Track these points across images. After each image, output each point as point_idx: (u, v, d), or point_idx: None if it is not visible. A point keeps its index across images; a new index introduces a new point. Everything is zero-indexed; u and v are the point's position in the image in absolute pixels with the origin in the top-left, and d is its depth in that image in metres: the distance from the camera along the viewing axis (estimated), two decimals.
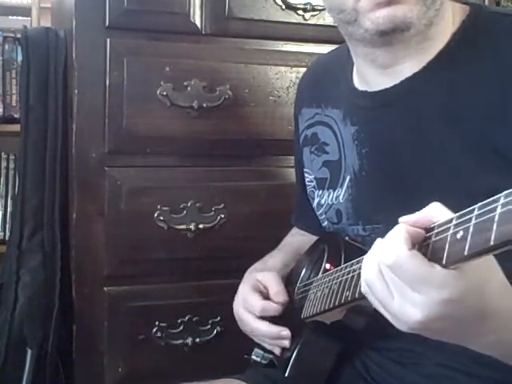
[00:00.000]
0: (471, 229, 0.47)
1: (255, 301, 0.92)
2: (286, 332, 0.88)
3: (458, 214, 0.50)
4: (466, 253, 0.48)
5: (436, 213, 0.54)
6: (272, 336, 0.90)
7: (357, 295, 0.66)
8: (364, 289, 0.60)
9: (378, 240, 0.57)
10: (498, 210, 0.45)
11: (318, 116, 0.94)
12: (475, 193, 0.50)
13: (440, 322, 0.54)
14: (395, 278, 0.54)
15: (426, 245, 0.54)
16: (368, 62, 0.80)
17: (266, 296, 0.93)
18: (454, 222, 0.50)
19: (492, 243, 0.45)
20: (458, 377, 0.78)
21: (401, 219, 0.56)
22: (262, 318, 0.91)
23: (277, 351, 0.91)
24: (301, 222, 1.10)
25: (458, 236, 0.49)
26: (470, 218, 0.48)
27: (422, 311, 0.53)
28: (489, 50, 0.73)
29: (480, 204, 0.47)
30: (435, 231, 0.53)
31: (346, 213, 0.87)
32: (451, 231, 0.50)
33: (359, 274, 0.66)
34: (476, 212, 0.47)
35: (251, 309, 0.92)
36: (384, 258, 0.54)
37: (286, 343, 0.88)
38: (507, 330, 0.58)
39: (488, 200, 0.47)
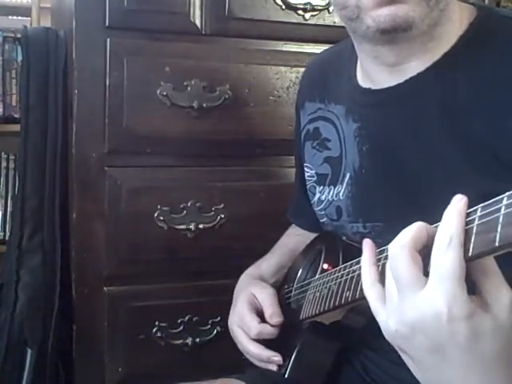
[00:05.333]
0: (475, 229, 0.47)
1: (252, 323, 0.92)
2: (277, 358, 0.88)
3: None
4: (470, 253, 0.48)
5: None
6: (262, 360, 0.91)
7: (357, 296, 0.66)
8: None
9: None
10: (502, 211, 0.45)
11: (321, 111, 0.94)
12: (474, 195, 0.50)
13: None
14: (389, 271, 0.53)
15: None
16: (372, 58, 0.79)
17: (261, 313, 0.93)
18: None
19: (497, 244, 0.45)
20: None
21: None
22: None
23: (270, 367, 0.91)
24: (298, 218, 1.10)
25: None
26: (473, 219, 0.48)
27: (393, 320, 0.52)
28: (494, 54, 0.72)
29: (482, 205, 0.47)
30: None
31: (346, 210, 0.87)
32: None
33: (359, 275, 0.66)
34: (479, 213, 0.47)
35: (247, 330, 0.93)
36: (390, 245, 0.53)
37: (274, 368, 0.88)
38: None
39: (490, 201, 0.46)
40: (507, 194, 0.45)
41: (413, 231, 0.52)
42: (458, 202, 0.50)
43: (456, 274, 0.48)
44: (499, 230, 0.44)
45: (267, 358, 0.89)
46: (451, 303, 0.48)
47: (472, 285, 0.51)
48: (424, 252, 0.52)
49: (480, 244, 0.47)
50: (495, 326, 0.49)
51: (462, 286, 0.48)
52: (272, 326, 0.91)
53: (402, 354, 0.55)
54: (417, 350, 0.53)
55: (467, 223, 0.48)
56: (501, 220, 0.45)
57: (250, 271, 1.05)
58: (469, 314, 0.48)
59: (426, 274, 0.51)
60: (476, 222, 0.47)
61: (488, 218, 0.46)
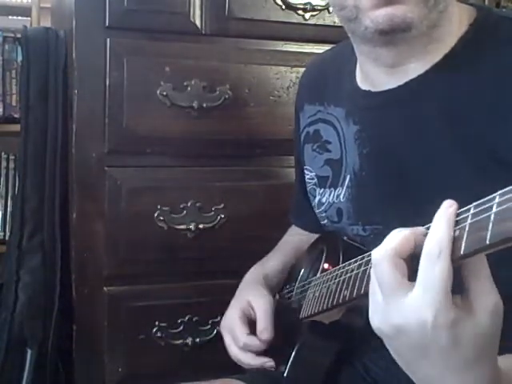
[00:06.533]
0: (467, 228, 0.48)
1: (240, 334, 0.93)
2: (270, 363, 0.88)
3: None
4: (462, 252, 0.48)
5: None
6: (254, 367, 0.91)
7: (355, 294, 0.66)
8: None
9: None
10: (494, 209, 0.45)
11: (321, 113, 0.93)
12: (474, 197, 0.50)
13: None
14: (373, 276, 0.54)
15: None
16: (371, 60, 0.79)
17: (253, 322, 0.93)
18: None
19: (488, 242, 0.45)
20: None
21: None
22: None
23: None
24: (300, 220, 1.10)
25: (456, 234, 0.49)
26: (466, 217, 0.48)
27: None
28: (494, 55, 0.72)
29: (475, 203, 0.48)
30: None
31: (347, 212, 0.87)
32: None
33: (357, 274, 0.66)
34: (472, 211, 0.48)
35: (235, 340, 0.93)
36: (373, 251, 0.54)
37: (270, 365, 0.89)
38: None
39: (483, 199, 0.47)
40: (499, 192, 0.45)
41: (398, 240, 0.52)
42: (448, 209, 0.50)
43: (444, 284, 0.49)
44: (490, 227, 0.45)
45: (260, 366, 0.90)
46: (437, 312, 0.49)
47: (461, 285, 0.51)
48: (411, 257, 0.52)
49: (471, 243, 0.47)
50: (476, 331, 0.50)
51: (447, 296, 0.49)
52: (261, 340, 0.91)
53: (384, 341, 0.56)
54: (398, 346, 0.54)
55: (461, 221, 0.49)
56: (492, 218, 0.45)
57: (255, 270, 1.05)
58: (452, 322, 0.49)
59: (413, 277, 0.51)
60: (469, 221, 0.48)
61: (480, 217, 0.46)
